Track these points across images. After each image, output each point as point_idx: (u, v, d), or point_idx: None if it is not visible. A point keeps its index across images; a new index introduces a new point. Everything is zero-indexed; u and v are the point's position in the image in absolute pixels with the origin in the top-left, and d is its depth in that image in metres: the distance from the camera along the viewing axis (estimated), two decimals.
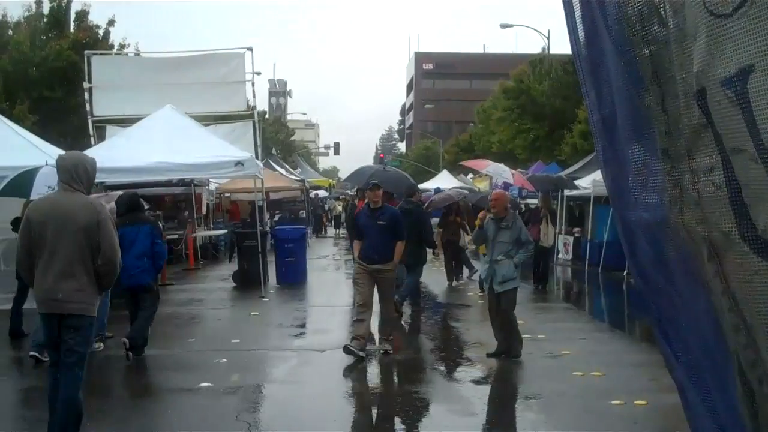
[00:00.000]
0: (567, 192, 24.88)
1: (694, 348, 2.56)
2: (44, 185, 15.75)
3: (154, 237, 10.95)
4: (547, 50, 45.42)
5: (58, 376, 6.50)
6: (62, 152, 17.09)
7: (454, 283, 19.74)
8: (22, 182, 14.47)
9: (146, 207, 22.15)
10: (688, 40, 2.03)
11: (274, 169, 36.83)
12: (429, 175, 56.34)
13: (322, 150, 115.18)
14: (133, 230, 10.70)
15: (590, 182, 22.49)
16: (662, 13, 2.21)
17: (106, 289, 7.26)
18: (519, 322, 11.74)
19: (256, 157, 19.45)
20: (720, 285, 2.10)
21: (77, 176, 6.62)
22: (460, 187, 33.10)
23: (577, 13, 2.52)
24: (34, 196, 12.71)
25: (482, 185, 39.19)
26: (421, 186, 43.23)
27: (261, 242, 17.94)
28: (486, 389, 10.02)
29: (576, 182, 24.24)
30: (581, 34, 2.57)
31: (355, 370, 10.67)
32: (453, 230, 19.75)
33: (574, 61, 2.74)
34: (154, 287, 11.38)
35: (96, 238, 6.45)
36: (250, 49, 23.04)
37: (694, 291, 2.35)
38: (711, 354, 2.40)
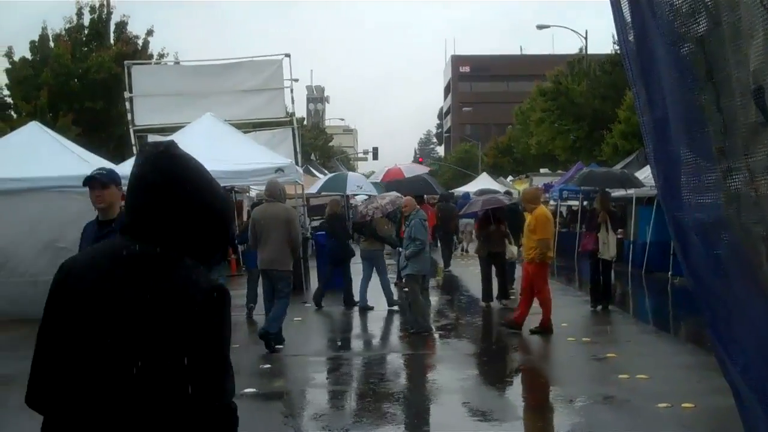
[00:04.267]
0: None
1: (749, 349, 2.51)
2: (355, 185, 26.44)
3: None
4: (584, 50, 45.08)
5: (271, 305, 11.77)
6: (105, 162, 17.41)
7: (503, 302, 16.87)
8: (336, 182, 26.40)
9: None
10: (744, 39, 2.00)
11: (314, 175, 36.94)
12: (468, 179, 56.21)
13: (360, 155, 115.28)
14: None
15: None
16: (710, 9, 2.18)
17: (294, 257, 12.27)
18: (563, 324, 11.81)
19: (296, 163, 19.52)
20: None
21: (276, 194, 11.81)
22: (489, 190, 32.26)
23: (626, 13, 2.50)
24: (349, 191, 25.84)
25: (522, 187, 38.93)
26: (461, 189, 43.20)
27: (302, 248, 17.99)
28: (531, 393, 9.97)
29: (623, 188, 22.07)
30: (631, 34, 2.54)
31: (401, 375, 10.66)
32: (497, 241, 16.66)
33: (623, 62, 2.70)
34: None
35: (290, 228, 11.47)
36: (287, 55, 23.13)
37: (750, 291, 2.31)
38: None
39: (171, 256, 2.47)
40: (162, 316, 2.39)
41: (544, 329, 12.87)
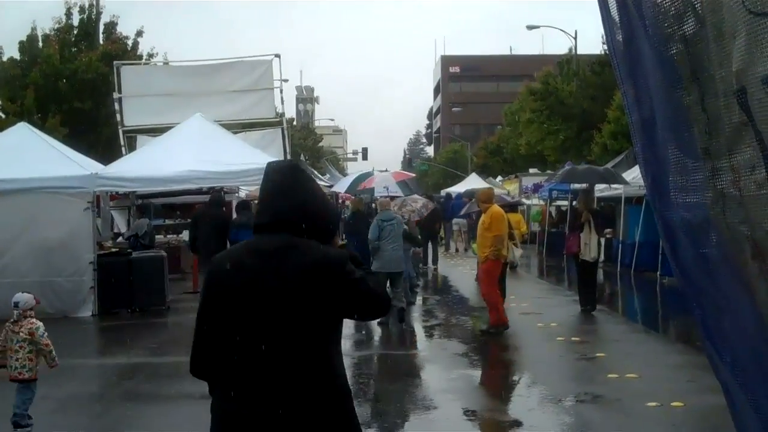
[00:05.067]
0: (598, 193, 23.93)
1: (738, 347, 2.54)
2: (382, 185, 27.93)
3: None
4: (574, 51, 45.13)
5: None
6: (94, 163, 17.37)
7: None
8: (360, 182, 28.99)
9: (177, 214, 22.51)
10: (726, 39, 2.02)
11: None
12: (458, 179, 56.21)
13: (350, 156, 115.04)
14: None
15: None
16: (698, 9, 2.20)
17: None
18: (552, 324, 11.92)
19: None
20: (764, 284, 2.08)
21: None
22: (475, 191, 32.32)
23: (614, 14, 2.52)
24: (377, 192, 25.45)
25: (512, 187, 39.01)
26: (452, 189, 43.24)
27: None
28: (520, 392, 9.99)
29: (606, 183, 21.96)
30: (619, 34, 2.56)
31: (388, 375, 10.67)
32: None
33: (612, 61, 2.73)
34: None
35: None
36: (277, 55, 23.11)
37: (737, 290, 2.33)
38: (756, 353, 2.38)
39: (305, 240, 3.31)
40: (311, 281, 3.22)
41: (497, 327, 12.75)
